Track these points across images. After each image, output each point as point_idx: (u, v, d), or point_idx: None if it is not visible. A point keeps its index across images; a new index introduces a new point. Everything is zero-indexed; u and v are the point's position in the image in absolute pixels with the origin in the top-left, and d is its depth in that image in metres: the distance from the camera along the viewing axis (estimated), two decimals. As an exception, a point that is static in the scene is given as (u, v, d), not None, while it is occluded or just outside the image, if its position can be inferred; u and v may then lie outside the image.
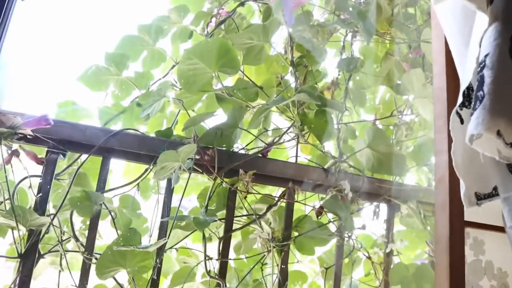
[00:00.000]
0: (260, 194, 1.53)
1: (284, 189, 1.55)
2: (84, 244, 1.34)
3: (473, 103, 0.78)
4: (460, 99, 0.90)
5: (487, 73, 0.77)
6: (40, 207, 1.25)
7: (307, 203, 1.59)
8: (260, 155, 1.51)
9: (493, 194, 0.91)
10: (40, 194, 1.26)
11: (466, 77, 0.91)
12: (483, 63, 0.79)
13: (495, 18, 0.83)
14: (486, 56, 0.80)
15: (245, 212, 1.52)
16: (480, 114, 0.74)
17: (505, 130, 0.73)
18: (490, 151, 0.80)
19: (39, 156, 1.31)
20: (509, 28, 0.81)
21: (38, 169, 1.33)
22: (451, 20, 1.05)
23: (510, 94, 0.75)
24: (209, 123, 1.53)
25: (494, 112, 0.73)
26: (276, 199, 1.54)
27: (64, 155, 1.34)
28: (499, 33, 0.81)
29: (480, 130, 0.72)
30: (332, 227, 1.58)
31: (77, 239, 1.35)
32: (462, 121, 0.91)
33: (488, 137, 0.75)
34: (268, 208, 1.52)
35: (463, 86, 0.91)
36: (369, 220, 1.72)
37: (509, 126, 0.73)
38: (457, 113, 0.91)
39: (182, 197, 1.40)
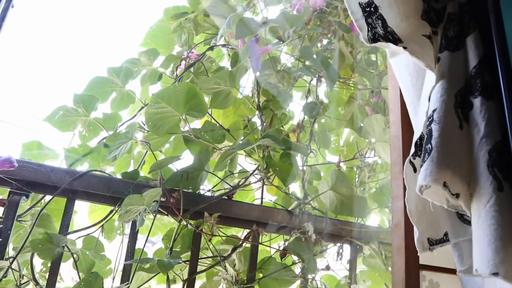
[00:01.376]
0: (225, 236, 1.54)
1: (249, 230, 1.57)
2: (44, 288, 1.32)
3: (422, 155, 0.83)
4: (412, 149, 0.95)
5: (434, 127, 0.83)
6: None
7: (271, 245, 1.61)
8: (226, 198, 1.53)
9: (444, 239, 0.96)
10: (0, 238, 1.24)
11: (418, 128, 0.97)
12: (431, 118, 0.86)
13: (441, 76, 0.90)
14: (434, 111, 0.86)
15: (210, 253, 1.53)
16: (429, 166, 0.79)
17: (450, 182, 0.78)
18: (439, 201, 0.85)
19: (0, 197, 1.30)
20: (454, 85, 0.89)
21: (-1, 209, 1.31)
22: (405, 73, 1.13)
23: (455, 148, 0.81)
24: (176, 165, 1.55)
25: (441, 164, 0.78)
26: (241, 240, 1.55)
27: (27, 196, 1.33)
28: (445, 90, 0.88)
29: (428, 181, 0.77)
30: (297, 269, 1.60)
31: (37, 283, 1.32)
32: (415, 170, 0.97)
33: (436, 188, 0.80)
34: (233, 250, 1.53)
35: (415, 137, 0.97)
36: (333, 260, 1.75)
37: (454, 178, 0.78)
38: (410, 162, 0.96)
39: (146, 239, 1.39)
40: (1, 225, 1.23)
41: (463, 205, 0.80)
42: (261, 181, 1.67)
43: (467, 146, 0.83)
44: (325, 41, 2.00)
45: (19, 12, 1.24)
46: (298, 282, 1.61)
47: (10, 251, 1.35)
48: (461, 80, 0.89)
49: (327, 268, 1.68)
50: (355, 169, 2.03)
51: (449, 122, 0.84)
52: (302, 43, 1.81)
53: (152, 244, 1.67)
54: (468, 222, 0.93)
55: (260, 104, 1.72)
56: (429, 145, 0.82)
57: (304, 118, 1.84)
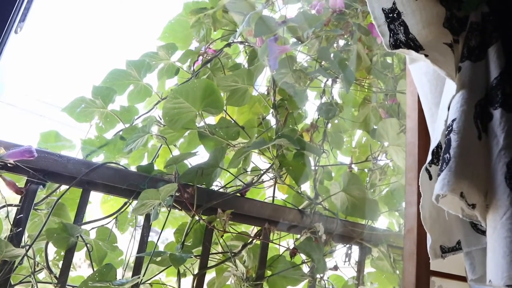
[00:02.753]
0: (236, 232, 1.56)
1: (259, 227, 1.58)
2: (57, 276, 1.34)
3: (440, 164, 0.84)
4: (429, 157, 0.96)
5: (453, 137, 0.84)
6: (16, 238, 1.25)
7: (281, 243, 1.63)
8: (238, 195, 1.55)
9: (457, 248, 0.97)
10: (17, 226, 1.26)
11: (435, 136, 0.97)
12: (451, 127, 0.86)
13: (462, 86, 0.90)
14: (453, 120, 0.87)
15: (220, 249, 1.55)
16: (446, 176, 0.79)
17: (467, 192, 0.78)
18: (454, 210, 0.86)
19: (18, 185, 1.32)
20: (474, 96, 0.89)
21: (14, 196, 1.34)
22: (424, 80, 1.13)
23: (473, 159, 0.82)
24: (190, 160, 1.56)
25: (459, 175, 0.79)
26: (252, 237, 1.56)
27: (44, 186, 1.35)
28: (465, 100, 0.88)
29: (446, 191, 0.78)
30: (305, 268, 1.62)
31: (50, 271, 1.34)
32: (430, 177, 0.97)
33: (452, 197, 0.81)
34: (243, 246, 1.54)
35: (432, 145, 0.97)
36: (341, 261, 1.77)
37: (471, 188, 0.79)
38: (426, 169, 0.97)
39: (160, 233, 1.41)
40: (20, 214, 1.26)
41: (479, 215, 0.80)
42: (274, 179, 1.68)
43: (485, 157, 0.83)
44: (341, 42, 2.00)
45: (43, 3, 1.25)
46: (306, 281, 1.63)
47: (25, 239, 1.37)
48: (482, 90, 0.89)
49: (336, 268, 1.69)
50: (366, 171, 2.03)
51: (468, 132, 0.84)
52: (319, 44, 1.81)
53: (156, 233, 1.69)
54: (482, 232, 0.94)
55: (276, 103, 1.72)
56: (447, 155, 0.82)
57: (318, 118, 1.85)
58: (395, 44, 0.98)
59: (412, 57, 1.08)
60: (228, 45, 1.86)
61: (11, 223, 1.30)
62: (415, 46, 0.97)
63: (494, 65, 0.90)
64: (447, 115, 0.91)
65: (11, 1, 1.16)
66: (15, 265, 1.27)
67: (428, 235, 0.99)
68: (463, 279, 1.09)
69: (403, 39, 0.97)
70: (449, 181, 0.79)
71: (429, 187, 0.96)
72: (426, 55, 0.95)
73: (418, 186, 1.00)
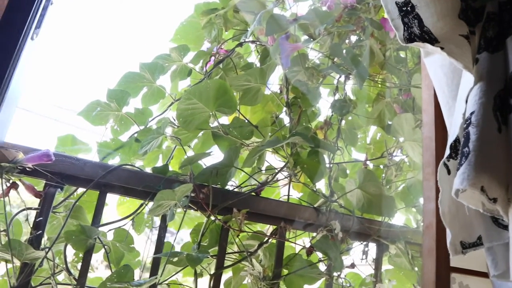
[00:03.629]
0: (252, 232, 1.56)
1: (275, 226, 1.58)
2: (76, 277, 1.35)
3: (459, 158, 0.82)
4: (447, 151, 0.94)
5: (472, 130, 0.82)
6: (36, 241, 1.27)
7: (297, 241, 1.62)
8: (254, 194, 1.54)
9: (478, 243, 0.95)
10: (37, 229, 1.27)
11: (453, 130, 0.96)
12: (469, 120, 0.85)
13: (480, 78, 0.89)
14: (471, 113, 0.85)
15: (236, 248, 1.55)
16: (466, 170, 0.78)
17: (488, 186, 0.77)
18: (474, 204, 0.84)
19: (37, 189, 1.34)
20: (493, 88, 0.87)
21: (33, 199, 1.35)
22: (440, 73, 1.11)
23: (493, 152, 0.80)
24: (205, 160, 1.57)
25: (479, 168, 0.77)
26: (268, 236, 1.56)
27: (62, 189, 1.36)
28: (484, 92, 0.86)
29: (465, 185, 0.76)
30: (322, 266, 1.61)
31: (69, 273, 1.35)
32: (449, 172, 0.95)
33: (472, 192, 0.79)
34: (260, 245, 1.54)
35: (450, 139, 0.95)
36: (358, 259, 1.75)
37: (492, 182, 0.77)
38: (445, 164, 0.95)
39: (176, 234, 1.42)
40: (40, 217, 1.27)
41: (501, 210, 0.79)
42: (288, 178, 1.67)
43: (506, 150, 0.82)
44: (353, 38, 1.98)
45: (57, 9, 1.27)
46: (323, 279, 1.62)
47: (45, 241, 1.39)
48: (501, 82, 0.87)
49: (352, 266, 1.68)
50: (381, 167, 2.01)
51: (488, 125, 0.82)
52: (331, 40, 1.80)
53: (171, 234, 1.69)
54: (504, 227, 0.92)
55: (289, 101, 1.72)
56: (466, 148, 0.81)
57: (331, 115, 1.84)
58: (410, 38, 0.97)
59: (427, 50, 1.07)
60: (240, 44, 1.86)
61: (31, 226, 1.31)
62: (430, 39, 0.95)
63: (513, 56, 0.89)
64: (465, 108, 0.89)
65: (27, 8, 1.18)
66: (35, 267, 1.29)
67: (448, 231, 0.98)
68: (484, 275, 1.08)
69: (417, 33, 0.96)
70: (469, 175, 0.77)
71: (448, 182, 0.95)
72: (442, 48, 0.94)
73: (436, 181, 0.99)
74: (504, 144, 0.82)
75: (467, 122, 0.85)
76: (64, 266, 1.38)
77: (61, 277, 1.45)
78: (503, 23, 0.92)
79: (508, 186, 0.79)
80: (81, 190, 1.43)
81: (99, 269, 1.72)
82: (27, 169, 1.27)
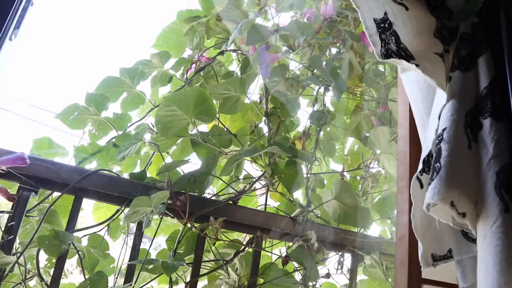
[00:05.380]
0: (228, 240, 1.56)
1: (252, 235, 1.58)
2: (48, 284, 1.33)
3: (431, 173, 0.85)
4: (420, 165, 0.97)
5: (444, 146, 0.85)
6: (7, 245, 1.24)
7: (273, 251, 1.63)
8: (231, 202, 1.55)
9: (448, 256, 0.97)
10: (8, 233, 1.25)
11: (426, 145, 0.98)
12: (441, 136, 0.87)
13: (452, 95, 0.92)
14: (444, 130, 0.88)
15: (212, 256, 1.54)
16: (437, 185, 0.80)
17: (458, 201, 0.79)
18: (444, 218, 0.87)
19: (10, 192, 1.31)
20: (465, 105, 0.90)
21: (6, 202, 1.33)
22: (415, 89, 1.14)
23: (463, 168, 0.83)
24: (183, 167, 1.56)
25: (449, 184, 0.79)
26: (244, 245, 1.56)
27: (36, 193, 1.34)
28: (456, 109, 0.89)
29: (436, 200, 0.79)
30: (297, 276, 1.62)
31: (41, 279, 1.33)
32: (422, 186, 0.98)
33: (443, 206, 0.81)
34: (236, 254, 1.54)
35: (423, 153, 0.98)
36: (333, 269, 1.77)
37: (462, 197, 0.80)
38: (418, 178, 0.98)
39: (152, 241, 1.41)
40: (12, 221, 1.25)
41: (469, 224, 0.81)
42: (266, 187, 1.68)
43: (475, 166, 0.84)
44: (334, 50, 2.01)
45: (39, 10, 1.26)
46: (298, 288, 1.63)
47: (16, 246, 1.36)
48: (472, 100, 0.90)
49: (328, 276, 1.70)
50: (358, 178, 2.04)
51: (459, 141, 0.85)
52: (311, 52, 1.83)
53: (148, 239, 1.68)
54: (473, 240, 0.95)
55: (268, 111, 1.73)
56: (438, 164, 0.83)
57: (310, 125, 1.86)
58: (387, 54, 0.99)
59: (403, 66, 1.10)
60: (221, 53, 1.87)
61: (2, 230, 1.29)
62: (406, 55, 0.98)
63: (484, 75, 0.92)
64: (438, 124, 0.92)
65: (5, 9, 1.17)
66: (5, 273, 1.26)
67: (420, 244, 1.00)
68: (454, 287, 1.10)
69: (394, 49, 0.98)
70: (439, 190, 0.79)
71: (420, 196, 0.97)
72: (417, 65, 0.96)
73: (410, 195, 1.01)
74: (473, 160, 0.84)
75: (439, 138, 0.87)
76: (36, 271, 1.35)
77: (32, 282, 1.42)
78: (475, 43, 0.96)
79: (476, 201, 0.82)
80: (56, 194, 1.41)
81: (74, 274, 1.70)
82: (1, 171, 1.25)
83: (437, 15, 0.99)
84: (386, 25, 0.99)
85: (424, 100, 1.10)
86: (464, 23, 1.00)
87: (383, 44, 1.00)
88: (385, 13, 0.98)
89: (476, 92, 0.92)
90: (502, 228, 0.75)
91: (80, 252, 1.41)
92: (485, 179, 0.81)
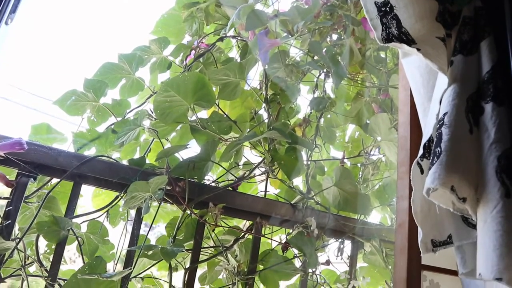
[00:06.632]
0: (228, 227, 1.56)
1: (251, 222, 1.58)
2: (48, 269, 1.33)
3: (431, 157, 0.84)
4: (421, 151, 0.96)
5: (444, 131, 0.84)
6: (6, 231, 1.24)
7: (273, 237, 1.63)
8: (230, 189, 1.54)
9: (448, 242, 0.97)
10: (7, 219, 1.25)
11: (427, 130, 0.97)
12: (442, 121, 0.86)
13: (454, 80, 0.90)
14: (445, 114, 0.87)
15: (211, 243, 1.54)
16: (437, 170, 0.79)
17: (458, 186, 0.79)
18: (445, 203, 0.86)
19: (9, 178, 1.31)
20: (466, 90, 0.89)
21: (5, 189, 1.33)
22: (416, 75, 1.13)
23: (464, 153, 0.82)
24: (181, 154, 1.56)
25: (449, 168, 0.79)
26: (244, 232, 1.56)
27: (35, 179, 1.34)
28: (457, 94, 0.88)
29: (436, 184, 0.78)
30: (297, 262, 1.62)
31: (41, 264, 1.33)
32: (422, 171, 0.97)
33: (443, 191, 0.81)
34: (235, 241, 1.54)
35: (424, 139, 0.97)
36: (333, 256, 1.77)
37: (462, 182, 0.79)
38: (418, 163, 0.97)
39: (150, 226, 1.41)
40: (10, 207, 1.24)
41: (469, 209, 0.81)
42: (266, 174, 1.68)
43: (476, 151, 0.83)
44: (335, 36, 1.99)
45: (34, -4, 1.24)
46: (298, 275, 1.63)
47: (16, 231, 1.36)
48: (474, 84, 0.89)
49: (328, 263, 1.70)
50: (359, 165, 2.03)
51: (460, 126, 0.84)
52: (311, 38, 1.81)
53: (146, 226, 1.68)
54: (473, 226, 0.94)
55: (268, 97, 1.72)
56: (438, 148, 0.82)
57: (310, 112, 1.85)
58: (388, 38, 0.98)
59: (404, 51, 1.09)
60: (221, 39, 1.85)
61: (1, 216, 1.29)
62: (408, 40, 0.96)
63: (486, 59, 0.90)
64: (439, 109, 0.91)
65: (0, -9, 1.15)
66: (5, 258, 1.26)
67: (419, 229, 0.99)
68: (454, 273, 1.10)
69: (395, 33, 0.97)
70: (439, 174, 0.79)
71: (421, 181, 0.96)
72: (418, 49, 0.95)
73: (410, 180, 1.00)
74: (475, 145, 0.84)
75: (440, 123, 0.86)
76: (36, 257, 1.35)
77: (32, 268, 1.43)
78: (478, 27, 0.94)
79: (477, 186, 0.81)
80: (55, 180, 1.41)
81: (77, 262, 1.70)
82: (-1, 157, 1.24)
83: (439, -1, 0.97)
84: (387, 8, 0.97)
85: (425, 85, 1.09)
86: (467, 7, 0.98)
87: (384, 28, 0.98)
88: (386, -3, 0.97)
89: (478, 77, 0.90)
90: (503, 213, 0.74)
91: (79, 238, 1.41)
92: (486, 163, 0.80)
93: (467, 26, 0.95)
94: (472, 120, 0.86)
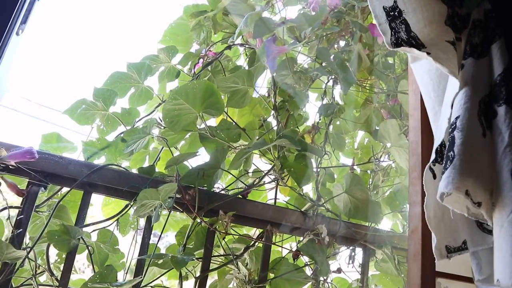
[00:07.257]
0: (238, 235, 1.55)
1: (262, 230, 1.57)
2: (59, 279, 1.33)
3: (444, 162, 0.83)
4: (433, 155, 0.95)
5: (457, 134, 0.83)
6: (17, 240, 1.24)
7: (284, 245, 1.62)
8: (240, 197, 1.54)
9: (463, 247, 0.95)
10: (18, 228, 1.25)
11: (439, 135, 0.96)
12: (454, 125, 0.85)
13: (465, 83, 0.90)
14: (457, 118, 0.86)
15: (222, 251, 1.54)
16: (451, 174, 0.78)
17: (473, 190, 0.77)
18: (459, 208, 0.85)
19: (19, 187, 1.31)
20: (478, 93, 0.88)
21: (15, 198, 1.33)
22: (426, 79, 1.12)
23: (478, 156, 0.81)
24: (191, 162, 1.56)
25: (464, 172, 0.77)
26: (254, 240, 1.55)
27: (45, 188, 1.34)
28: (469, 97, 0.87)
29: (450, 189, 0.77)
30: (308, 270, 1.60)
31: (52, 274, 1.33)
32: (434, 176, 0.96)
33: (457, 196, 0.79)
34: (246, 249, 1.53)
35: (436, 143, 0.96)
36: (345, 263, 1.75)
37: (477, 186, 0.78)
38: (430, 168, 0.96)
39: (160, 235, 1.40)
40: (21, 216, 1.25)
41: (485, 214, 0.79)
42: (275, 181, 1.67)
43: (490, 155, 0.82)
44: (342, 43, 1.99)
45: (45, 6, 1.25)
46: (309, 283, 1.62)
47: (27, 240, 1.36)
48: (486, 87, 0.88)
49: (339, 271, 1.68)
50: (369, 172, 2.02)
51: (472, 129, 0.83)
52: (319, 44, 1.81)
53: (155, 236, 1.68)
54: (488, 231, 0.93)
55: (276, 104, 1.71)
56: (451, 153, 0.81)
57: (319, 119, 1.84)
58: (397, 43, 0.97)
59: (414, 55, 1.08)
60: (229, 47, 1.86)
61: (12, 225, 1.29)
62: (417, 44, 0.96)
63: (498, 62, 0.89)
64: (451, 112, 0.90)
65: (11, 3, 1.16)
66: (16, 268, 1.26)
67: (433, 235, 0.98)
68: (469, 280, 1.08)
69: (404, 37, 0.97)
70: (453, 179, 0.77)
71: (433, 186, 0.95)
72: (428, 53, 0.95)
73: (422, 186, 0.99)
74: (488, 148, 0.82)
75: (452, 127, 0.85)
76: (46, 266, 1.35)
77: (43, 278, 1.43)
78: (488, 30, 0.94)
79: (492, 190, 0.80)
80: (65, 189, 1.41)
81: (86, 272, 1.70)
82: (10, 166, 1.25)
83: (448, 3, 0.96)
84: (396, 13, 0.97)
85: (436, 89, 1.08)
86: (477, 9, 0.97)
87: (393, 33, 0.98)
88: (395, 1, 0.97)
89: (489, 79, 0.90)
90: (519, 217, 0.73)
91: (89, 247, 1.41)
92: (500, 167, 0.79)
93: (477, 29, 0.95)
94: (485, 123, 0.85)
